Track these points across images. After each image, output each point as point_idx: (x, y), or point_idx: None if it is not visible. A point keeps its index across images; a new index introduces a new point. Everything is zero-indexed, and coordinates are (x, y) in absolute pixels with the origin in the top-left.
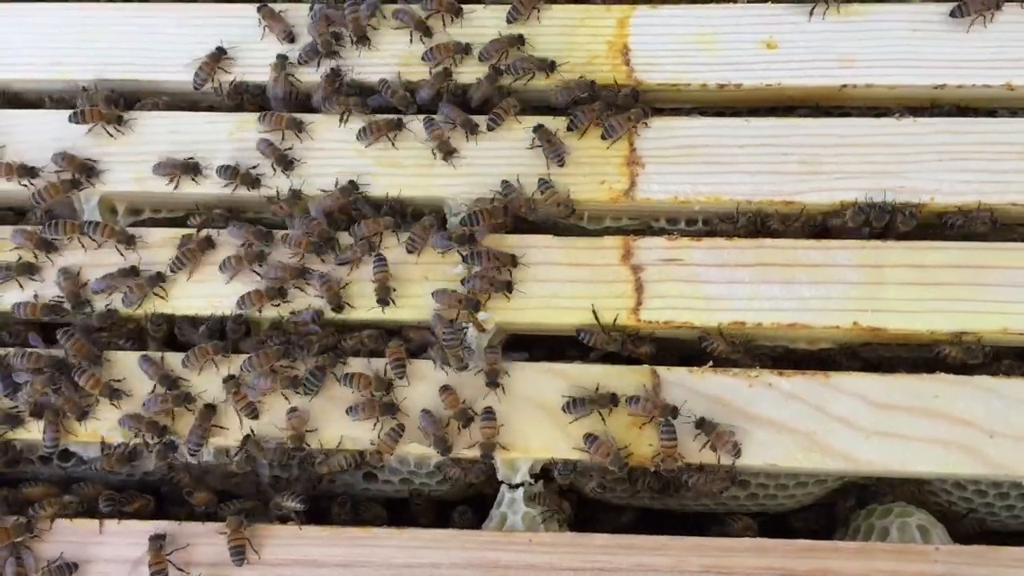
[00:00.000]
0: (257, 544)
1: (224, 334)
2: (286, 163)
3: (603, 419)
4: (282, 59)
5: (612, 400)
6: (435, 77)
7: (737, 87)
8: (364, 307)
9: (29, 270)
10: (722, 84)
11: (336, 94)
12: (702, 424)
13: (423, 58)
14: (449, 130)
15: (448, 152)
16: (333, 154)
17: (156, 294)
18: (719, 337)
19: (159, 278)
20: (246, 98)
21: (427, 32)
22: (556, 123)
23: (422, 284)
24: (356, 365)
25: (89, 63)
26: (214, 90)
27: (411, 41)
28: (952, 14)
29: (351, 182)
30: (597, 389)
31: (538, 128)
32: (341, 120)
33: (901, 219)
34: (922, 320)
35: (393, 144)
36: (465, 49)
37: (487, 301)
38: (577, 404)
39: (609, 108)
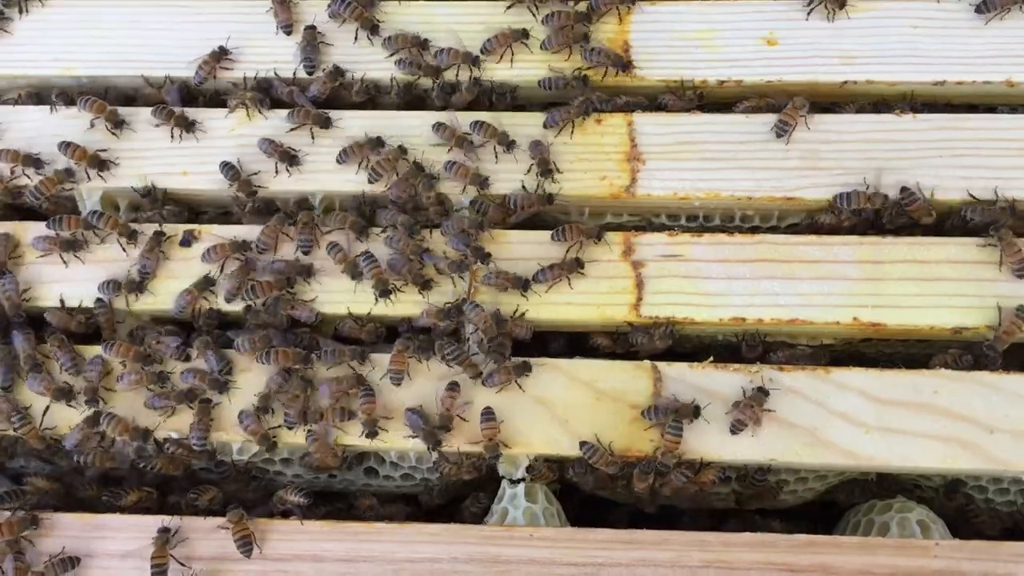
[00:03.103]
0: (258, 539)
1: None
2: (290, 159)
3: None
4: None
5: (695, 412)
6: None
7: (738, 83)
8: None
9: (139, 287)
10: (722, 80)
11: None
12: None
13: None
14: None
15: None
16: (333, 149)
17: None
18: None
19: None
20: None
21: None
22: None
23: None
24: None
25: (95, 60)
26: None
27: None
28: (978, 9)
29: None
30: (696, 404)
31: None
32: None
33: None
34: (922, 315)
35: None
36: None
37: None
38: (658, 411)
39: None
